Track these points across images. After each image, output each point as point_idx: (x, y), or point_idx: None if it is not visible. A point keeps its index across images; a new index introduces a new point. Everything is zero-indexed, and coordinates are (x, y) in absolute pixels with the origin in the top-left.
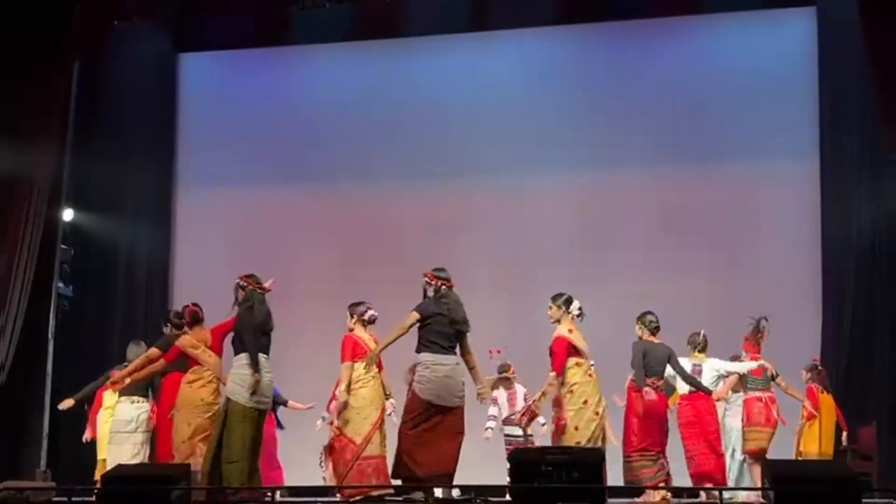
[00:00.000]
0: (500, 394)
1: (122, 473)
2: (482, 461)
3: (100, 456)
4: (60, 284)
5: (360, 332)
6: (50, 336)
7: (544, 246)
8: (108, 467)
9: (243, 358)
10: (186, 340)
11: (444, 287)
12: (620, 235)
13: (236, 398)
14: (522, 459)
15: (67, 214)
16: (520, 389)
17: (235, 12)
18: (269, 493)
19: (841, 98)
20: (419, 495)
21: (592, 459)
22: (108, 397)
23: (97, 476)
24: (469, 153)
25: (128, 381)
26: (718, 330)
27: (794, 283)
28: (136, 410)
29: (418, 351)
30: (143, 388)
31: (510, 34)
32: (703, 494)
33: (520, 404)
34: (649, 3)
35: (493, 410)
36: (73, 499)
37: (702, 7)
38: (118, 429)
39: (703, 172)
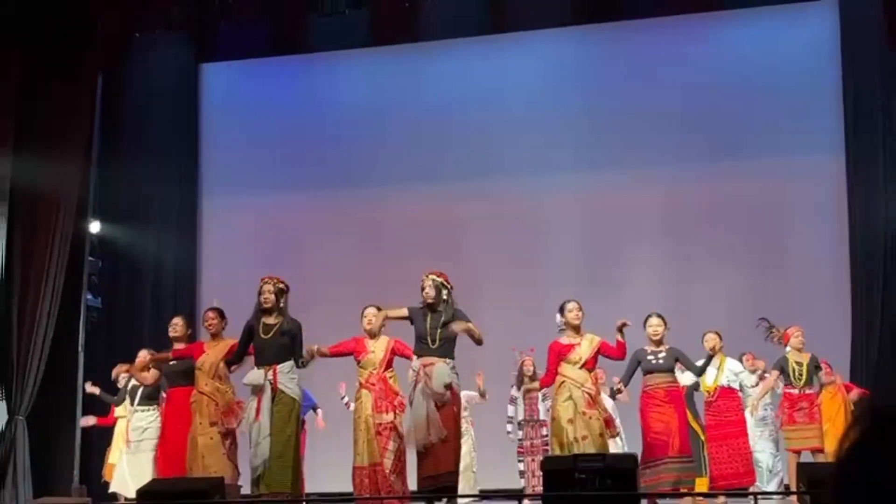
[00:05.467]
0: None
1: (156, 488)
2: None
3: (109, 460)
4: (89, 296)
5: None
6: (80, 349)
7: (563, 246)
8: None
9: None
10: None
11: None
12: (643, 235)
13: (299, 399)
14: (555, 467)
15: (94, 227)
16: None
17: (255, 21)
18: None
19: (865, 91)
20: None
21: (626, 466)
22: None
23: (106, 477)
24: (487, 155)
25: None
26: (746, 327)
27: (822, 278)
28: (148, 419)
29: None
30: (155, 397)
31: (527, 36)
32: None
33: (540, 406)
34: (668, 0)
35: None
36: None
37: (722, 3)
38: (135, 438)
39: (727, 170)
